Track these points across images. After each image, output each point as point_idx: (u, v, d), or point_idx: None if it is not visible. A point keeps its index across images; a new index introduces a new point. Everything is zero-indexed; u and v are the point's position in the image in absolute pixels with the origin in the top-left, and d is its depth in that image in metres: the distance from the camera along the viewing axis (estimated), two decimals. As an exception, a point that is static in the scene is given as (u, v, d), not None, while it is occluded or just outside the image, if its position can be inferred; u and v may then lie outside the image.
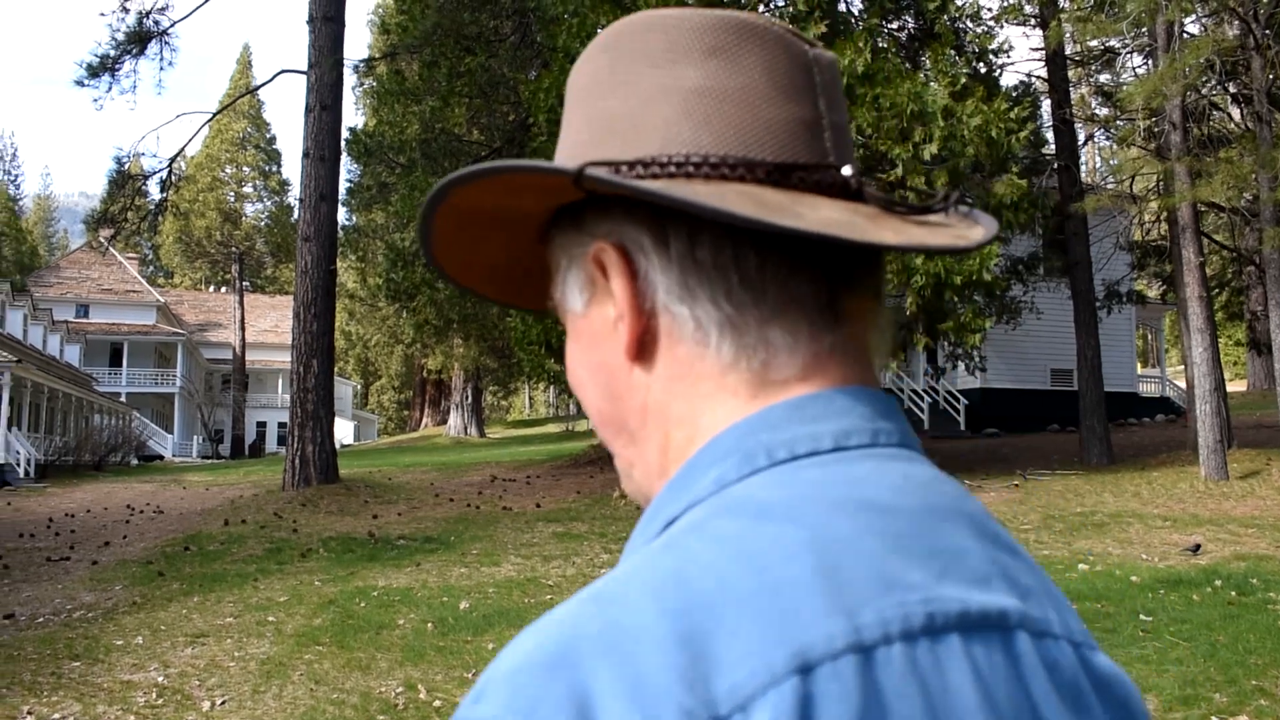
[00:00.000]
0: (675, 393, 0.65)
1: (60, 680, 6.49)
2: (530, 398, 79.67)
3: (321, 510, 15.81)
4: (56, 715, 5.75)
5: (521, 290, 0.81)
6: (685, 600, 0.51)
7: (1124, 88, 21.16)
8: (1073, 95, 22.27)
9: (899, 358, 16.87)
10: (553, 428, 50.64)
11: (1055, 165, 19.34)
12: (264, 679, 6.36)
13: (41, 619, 8.64)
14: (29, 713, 5.80)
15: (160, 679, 6.46)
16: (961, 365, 23.84)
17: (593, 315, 0.69)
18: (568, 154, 0.69)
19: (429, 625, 7.74)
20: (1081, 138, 23.18)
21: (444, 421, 54.98)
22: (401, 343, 50.76)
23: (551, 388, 69.47)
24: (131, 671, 6.68)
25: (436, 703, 5.86)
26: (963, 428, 27.88)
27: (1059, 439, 24.66)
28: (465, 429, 45.80)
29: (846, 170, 0.66)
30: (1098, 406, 18.95)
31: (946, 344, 18.58)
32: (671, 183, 0.62)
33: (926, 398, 29.00)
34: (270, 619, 8.09)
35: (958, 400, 28.41)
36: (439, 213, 0.69)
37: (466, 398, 45.74)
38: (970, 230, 0.67)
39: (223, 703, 5.91)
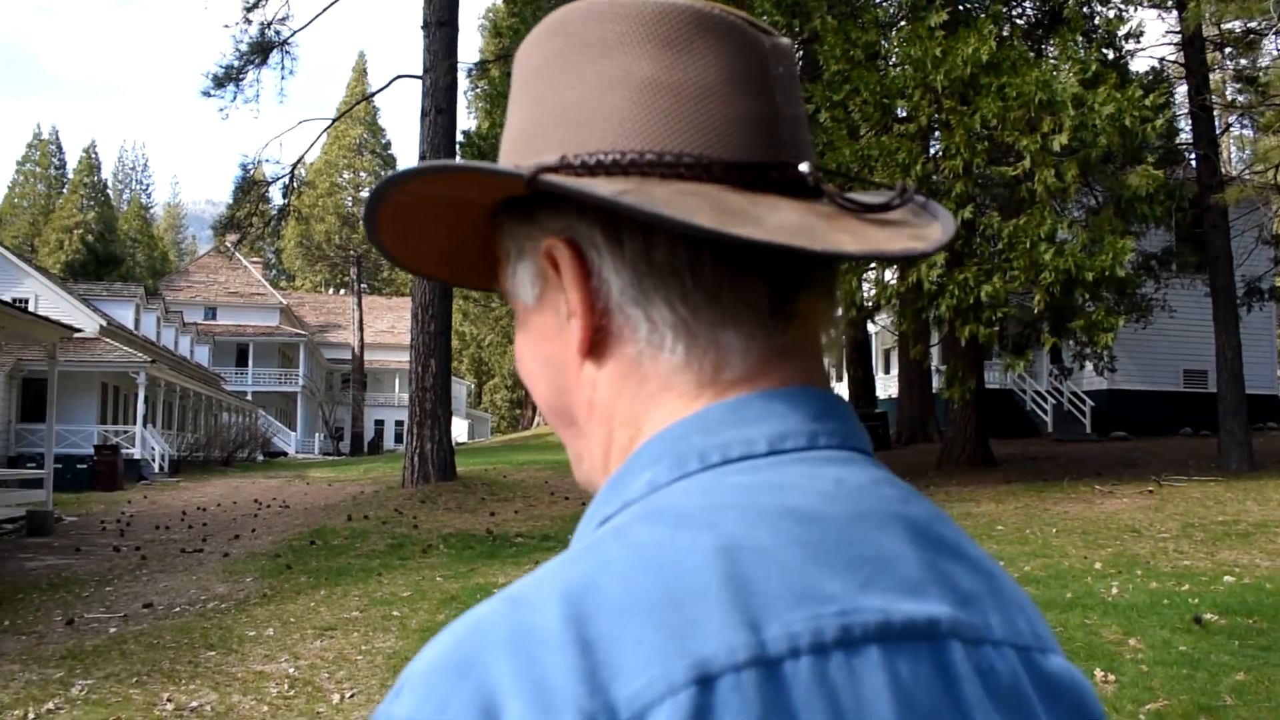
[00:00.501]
0: (622, 391, 0.65)
1: (197, 669, 6.64)
2: (641, 398, 79.95)
3: (440, 507, 16.02)
4: (194, 703, 5.87)
5: (471, 270, 0.80)
6: (592, 607, 0.52)
7: (1267, 71, 20.14)
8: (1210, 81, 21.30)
9: (1026, 358, 16.24)
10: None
11: (1193, 155, 18.47)
12: (391, 673, 6.40)
13: (178, 608, 8.89)
14: (168, 700, 5.94)
15: (291, 670, 6.56)
16: (1089, 365, 23.06)
17: (544, 309, 0.68)
18: (517, 141, 0.68)
19: (551, 622, 7.71)
20: (1220, 126, 22.17)
21: (556, 421, 55.42)
22: (514, 342, 51.30)
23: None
24: (264, 662, 6.81)
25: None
26: (1088, 430, 26.88)
27: (1193, 443, 23.61)
28: (578, 428, 46.09)
29: (803, 167, 0.65)
30: (1238, 409, 18.01)
31: (1074, 343, 17.92)
32: (627, 181, 0.61)
33: (1050, 399, 28.10)
34: (395, 614, 8.17)
35: (1083, 402, 27.45)
36: (384, 206, 0.69)
37: (579, 397, 46.07)
38: (928, 228, 0.66)
39: (351, 695, 5.96)
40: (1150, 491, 14.92)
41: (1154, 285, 20.76)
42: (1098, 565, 9.70)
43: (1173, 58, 20.56)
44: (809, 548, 0.55)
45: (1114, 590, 8.59)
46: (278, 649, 7.15)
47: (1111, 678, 6.20)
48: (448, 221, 0.73)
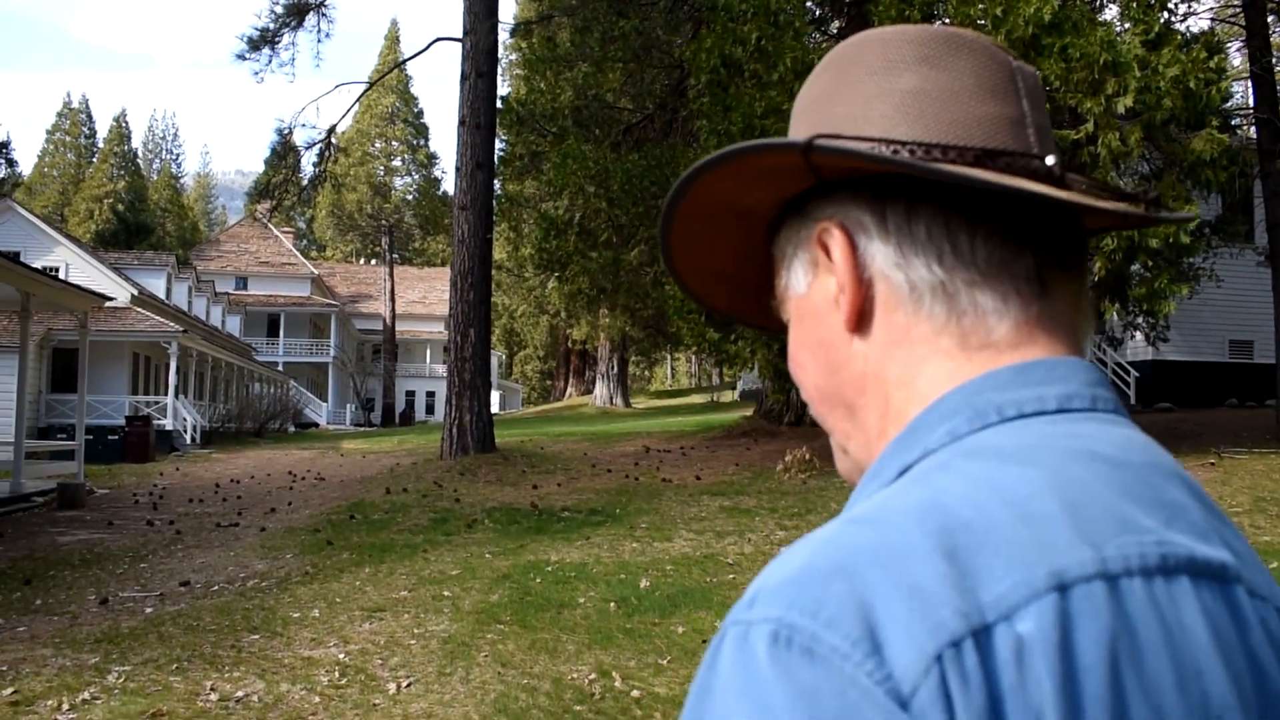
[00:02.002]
0: (893, 357, 0.69)
1: (240, 654, 6.27)
2: (672, 368, 79.51)
3: (480, 480, 15.65)
4: (240, 692, 5.49)
5: (753, 305, 0.85)
6: (946, 522, 0.55)
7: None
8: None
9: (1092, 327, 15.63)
10: (696, 398, 50.18)
11: (1255, 118, 17.76)
12: (448, 660, 6.01)
13: (216, 587, 8.54)
14: (212, 689, 5.57)
15: (341, 656, 6.17)
16: (1135, 335, 22.42)
17: (814, 293, 0.74)
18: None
19: (611, 605, 7.30)
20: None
21: (588, 391, 55.13)
22: (547, 313, 50.94)
23: (694, 358, 69.15)
24: (311, 647, 6.43)
25: (635, 692, 5.40)
26: (1133, 401, 26.35)
27: (1244, 414, 22.97)
28: (611, 399, 45.73)
29: (1050, 159, 0.70)
30: (1296, 380, 17.42)
31: (1126, 312, 17.31)
32: (895, 157, 0.67)
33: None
34: (446, 594, 7.78)
35: (1128, 372, 26.89)
36: (680, 210, 0.76)
37: (612, 368, 45.62)
38: (1163, 213, 0.71)
39: (409, 685, 5.57)
40: (1212, 464, 14.36)
41: (1202, 254, 20.14)
42: (1177, 545, 9.21)
43: (1232, 19, 19.75)
44: (1118, 486, 0.59)
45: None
46: (325, 632, 6.77)
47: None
48: (730, 241, 0.80)
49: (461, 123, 18.48)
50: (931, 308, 0.68)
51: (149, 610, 7.70)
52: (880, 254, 0.69)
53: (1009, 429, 0.63)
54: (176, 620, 7.19)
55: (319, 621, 7.06)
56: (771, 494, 13.18)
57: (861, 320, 0.70)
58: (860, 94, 0.72)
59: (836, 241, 0.70)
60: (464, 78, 18.52)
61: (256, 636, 6.69)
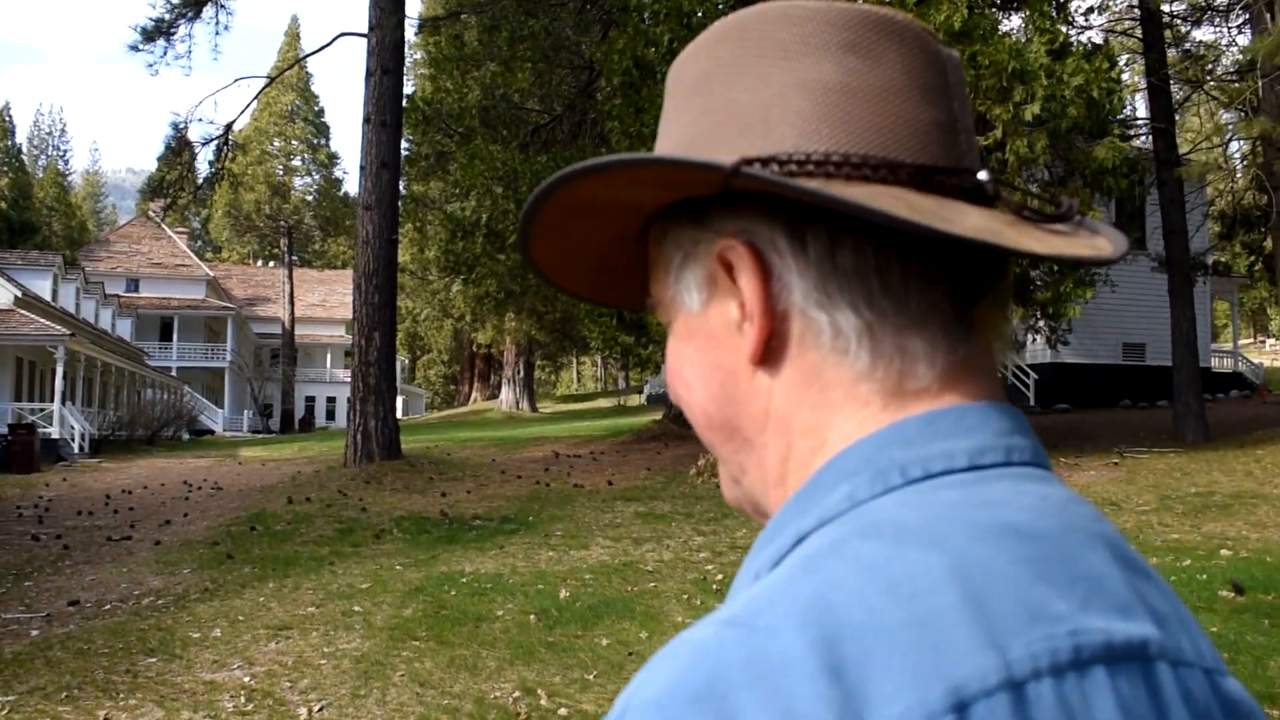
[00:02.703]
0: (802, 400, 0.63)
1: (136, 680, 5.87)
2: (578, 372, 79.27)
3: (387, 488, 15.22)
4: (137, 722, 5.12)
5: (612, 288, 0.78)
6: (833, 630, 0.49)
7: (1229, 47, 20.01)
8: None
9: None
10: (603, 402, 50.05)
11: (1152, 128, 18.26)
12: (362, 680, 5.70)
13: (109, 606, 8.07)
14: (106, 719, 5.19)
15: (246, 679, 5.82)
16: (1037, 338, 22.91)
17: (711, 315, 0.66)
18: (684, 144, 0.66)
19: (531, 617, 7.05)
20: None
21: (493, 396, 54.59)
22: (451, 317, 50.27)
23: (600, 362, 68.97)
24: (213, 670, 6.05)
25: (562, 710, 5.17)
26: (1032, 403, 27.08)
27: (1139, 415, 23.72)
28: (517, 404, 45.32)
29: (982, 175, 0.63)
30: (1193, 382, 17.97)
31: (1031, 315, 17.66)
32: (813, 182, 0.59)
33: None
34: (356, 609, 7.44)
35: (1027, 375, 27.57)
36: (552, 203, 0.66)
37: (518, 372, 45.23)
38: (1097, 240, 0.64)
39: (320, 709, 5.25)
40: (1115, 464, 14.70)
41: (1096, 260, 20.72)
42: (1088, 545, 9.33)
43: (1128, 32, 20.29)
44: (1031, 565, 0.54)
45: (1116, 573, 8.21)
46: (228, 653, 6.39)
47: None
48: (597, 233, 0.71)
49: (366, 120, 18.01)
50: (856, 353, 0.61)
51: (34, 633, 7.21)
52: (799, 287, 0.61)
53: (913, 495, 0.57)
54: (66, 644, 6.73)
55: (221, 642, 6.68)
56: (686, 499, 13.06)
57: (769, 354, 0.63)
58: (771, 81, 0.63)
59: (745, 265, 0.62)
60: (369, 74, 18.05)
61: (154, 660, 6.29)
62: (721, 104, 0.65)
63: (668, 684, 0.49)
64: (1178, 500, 11.67)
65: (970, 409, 0.61)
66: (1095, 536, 0.58)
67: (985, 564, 0.53)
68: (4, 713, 5.31)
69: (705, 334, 0.67)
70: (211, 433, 46.51)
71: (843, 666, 0.48)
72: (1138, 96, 22.20)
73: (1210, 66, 20.26)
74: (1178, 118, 21.45)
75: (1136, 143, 20.39)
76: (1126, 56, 21.07)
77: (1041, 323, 19.18)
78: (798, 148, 0.61)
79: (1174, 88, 19.91)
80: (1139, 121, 19.80)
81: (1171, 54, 26.58)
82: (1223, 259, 25.61)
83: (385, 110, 18.10)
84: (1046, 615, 0.52)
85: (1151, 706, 0.53)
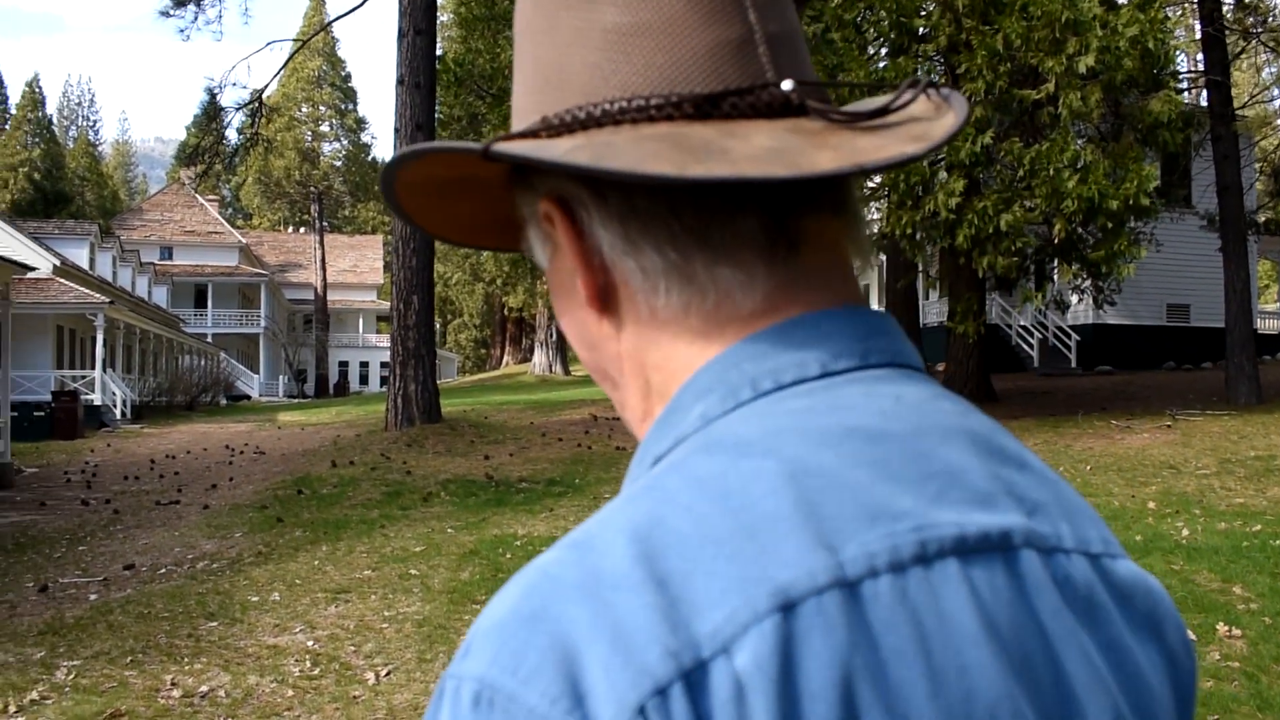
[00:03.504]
0: (644, 337, 0.64)
1: (199, 644, 5.82)
2: (608, 337, 79.19)
3: (429, 451, 15.17)
4: (204, 687, 5.06)
5: (498, 235, 0.78)
6: (661, 543, 0.50)
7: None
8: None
9: (1038, 296, 15.53)
10: (635, 367, 49.80)
11: (1208, 80, 17.77)
12: (426, 644, 5.63)
13: (164, 570, 8.05)
14: (173, 683, 5.13)
15: (310, 643, 5.76)
16: (1082, 298, 22.55)
17: (557, 270, 0.68)
18: (514, 107, 0.68)
19: (590, 581, 6.96)
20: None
21: (525, 359, 54.57)
22: (482, 280, 50.19)
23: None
24: (275, 634, 6.00)
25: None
26: (1074, 365, 26.66)
27: (1185, 377, 23.30)
28: (550, 366, 45.24)
29: (786, 84, 0.62)
30: (1246, 343, 17.53)
31: (1085, 275, 17.31)
32: (586, 136, 0.60)
33: (1036, 333, 27.70)
34: (413, 572, 7.38)
35: (1068, 336, 27.13)
36: (398, 187, 0.69)
37: (551, 335, 45.04)
38: (935, 124, 0.62)
39: (388, 674, 5.18)
40: (1168, 426, 14.42)
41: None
42: (1151, 505, 9.17)
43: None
44: (876, 466, 0.54)
45: (1184, 532, 8.04)
46: (288, 617, 6.34)
47: (1237, 632, 5.60)
48: (468, 197, 0.72)
49: (400, 82, 17.81)
50: (667, 291, 0.62)
51: (93, 597, 7.20)
52: (605, 238, 0.63)
53: (760, 407, 0.58)
54: (125, 608, 6.70)
55: (280, 606, 6.63)
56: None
57: (605, 302, 0.65)
58: (559, 34, 0.63)
59: (559, 223, 0.64)
60: (401, 35, 17.83)
61: (215, 624, 6.24)
62: (529, 62, 0.66)
63: (507, 609, 0.51)
64: (1238, 464, 11.41)
65: (825, 316, 0.61)
66: (956, 431, 0.58)
67: (823, 468, 0.53)
68: (70, 677, 5.27)
69: (559, 287, 0.69)
70: (248, 398, 46.81)
71: (668, 577, 0.49)
72: (1184, 50, 21.62)
73: (1266, 18, 19.65)
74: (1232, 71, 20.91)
75: (1186, 97, 19.90)
76: (1179, 8, 20.47)
77: (1088, 283, 18.86)
78: (586, 99, 0.62)
79: (1228, 39, 19.35)
80: (1188, 75, 19.28)
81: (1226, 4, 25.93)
82: (1275, 217, 24.99)
83: (419, 71, 17.88)
84: (888, 513, 0.52)
85: (1014, 595, 0.53)
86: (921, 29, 14.42)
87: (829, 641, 0.48)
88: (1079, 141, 14.49)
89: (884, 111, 0.62)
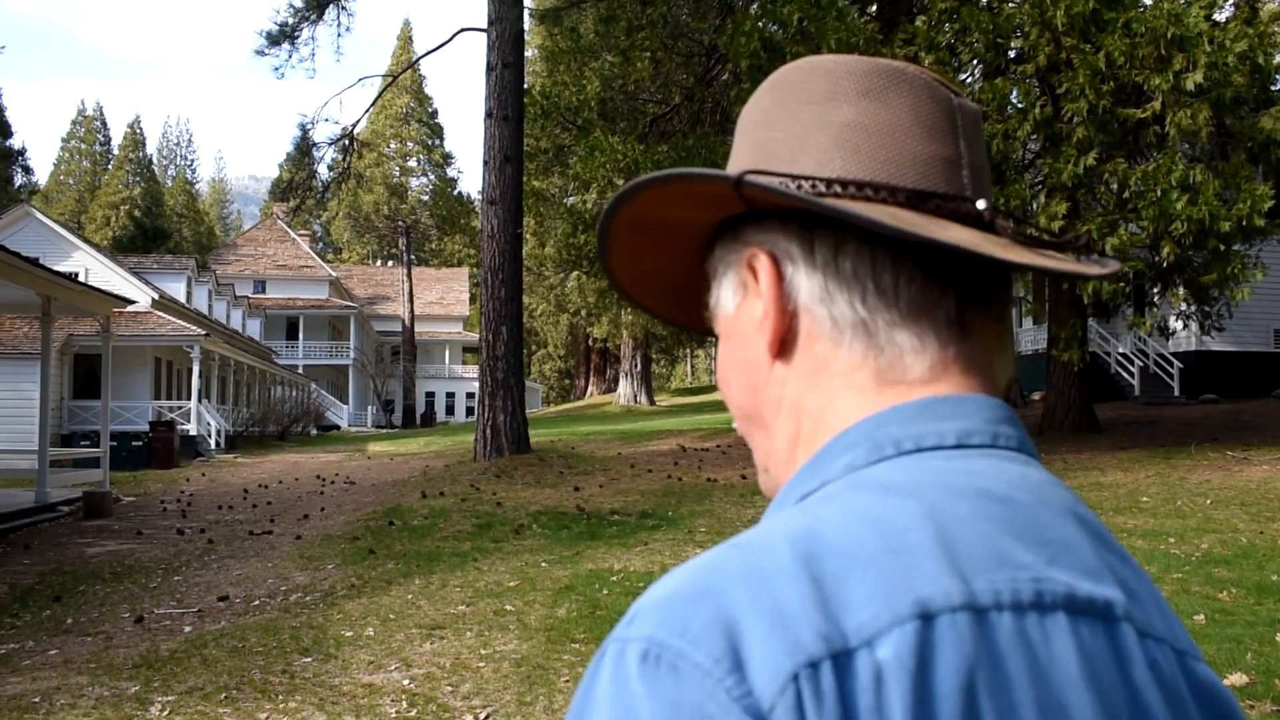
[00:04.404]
0: (810, 386, 0.71)
1: (294, 681, 5.69)
2: (692, 365, 78.93)
3: (518, 482, 15.07)
4: (300, 727, 4.91)
5: (680, 308, 0.87)
6: (818, 550, 0.57)
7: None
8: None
9: (1145, 322, 14.89)
10: (718, 395, 49.53)
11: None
12: (526, 686, 5.42)
13: (257, 602, 7.99)
14: (268, 722, 5.00)
15: (405, 682, 5.59)
16: (1189, 325, 21.73)
17: (742, 314, 0.75)
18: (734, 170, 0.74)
19: (690, 619, 6.70)
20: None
21: (609, 390, 54.57)
22: (567, 311, 50.38)
23: (715, 355, 68.49)
24: (370, 671, 5.85)
25: None
26: (1177, 393, 25.72)
27: (1298, 405, 22.27)
28: (635, 397, 45.11)
29: (981, 204, 0.71)
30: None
31: (1195, 301, 16.60)
32: (820, 200, 0.68)
33: (1136, 361, 26.79)
34: (508, 608, 7.19)
35: (1170, 364, 26.20)
36: (618, 220, 0.76)
37: (636, 365, 45.00)
38: (1090, 267, 0.71)
39: (486, 717, 4.98)
40: (1292, 459, 13.69)
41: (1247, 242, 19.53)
42: (1282, 543, 8.60)
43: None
44: (1002, 523, 0.60)
45: (1324, 574, 7.50)
46: (383, 654, 6.19)
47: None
48: (665, 245, 0.80)
49: (488, 115, 17.92)
50: (851, 344, 0.69)
51: (188, 629, 7.14)
52: (805, 287, 0.70)
53: (902, 463, 0.64)
54: (220, 641, 6.62)
55: (375, 641, 6.48)
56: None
57: (784, 347, 0.72)
58: (799, 122, 0.73)
59: (763, 269, 0.71)
60: (490, 69, 17.95)
61: (309, 659, 6.12)
62: (763, 141, 0.74)
63: (674, 586, 0.57)
64: (1381, 498, 10.74)
65: (965, 398, 0.68)
66: (1069, 513, 0.64)
67: (958, 515, 0.59)
68: (165, 714, 5.17)
69: (738, 334, 0.75)
70: (337, 428, 47.50)
71: (824, 577, 0.55)
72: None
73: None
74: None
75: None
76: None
77: (1193, 308, 18.13)
78: (816, 172, 0.70)
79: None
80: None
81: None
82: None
83: (507, 104, 17.99)
84: (1011, 562, 0.58)
85: (1113, 660, 0.57)
86: (1017, 49, 14.01)
87: (959, 652, 0.53)
88: (1185, 161, 13.93)
89: (1060, 245, 0.72)
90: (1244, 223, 12.99)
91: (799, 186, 0.69)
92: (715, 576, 0.56)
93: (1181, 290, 14.80)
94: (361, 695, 5.38)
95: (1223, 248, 13.46)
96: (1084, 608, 0.58)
